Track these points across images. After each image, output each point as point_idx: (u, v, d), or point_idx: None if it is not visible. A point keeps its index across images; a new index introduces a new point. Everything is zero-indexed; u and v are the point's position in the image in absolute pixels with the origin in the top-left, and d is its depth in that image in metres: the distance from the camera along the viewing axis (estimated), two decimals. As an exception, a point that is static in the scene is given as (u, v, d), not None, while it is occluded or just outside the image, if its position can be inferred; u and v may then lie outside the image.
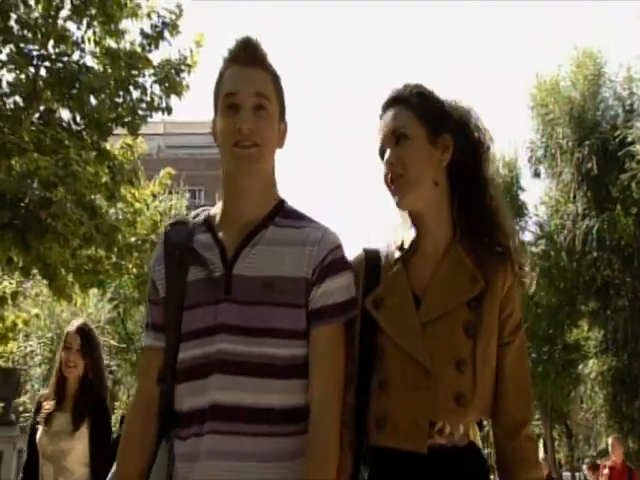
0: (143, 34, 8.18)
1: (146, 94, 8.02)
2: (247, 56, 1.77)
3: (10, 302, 9.60)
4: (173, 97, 8.21)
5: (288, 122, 1.85)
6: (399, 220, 1.89)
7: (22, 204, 7.15)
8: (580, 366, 18.28)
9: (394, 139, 1.80)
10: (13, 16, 7.64)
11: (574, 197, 17.08)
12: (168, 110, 8.05)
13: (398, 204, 1.81)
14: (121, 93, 7.90)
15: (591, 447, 26.74)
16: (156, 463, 1.73)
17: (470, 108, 1.88)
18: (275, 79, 1.81)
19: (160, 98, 8.05)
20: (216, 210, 1.87)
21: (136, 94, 8.00)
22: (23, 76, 7.76)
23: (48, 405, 3.83)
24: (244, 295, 1.70)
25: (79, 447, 3.71)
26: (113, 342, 17.81)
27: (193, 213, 1.93)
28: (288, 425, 1.68)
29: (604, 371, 16.97)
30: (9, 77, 7.83)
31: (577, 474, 24.75)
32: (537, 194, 22.28)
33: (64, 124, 7.96)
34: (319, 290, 1.72)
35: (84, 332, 3.95)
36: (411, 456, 1.64)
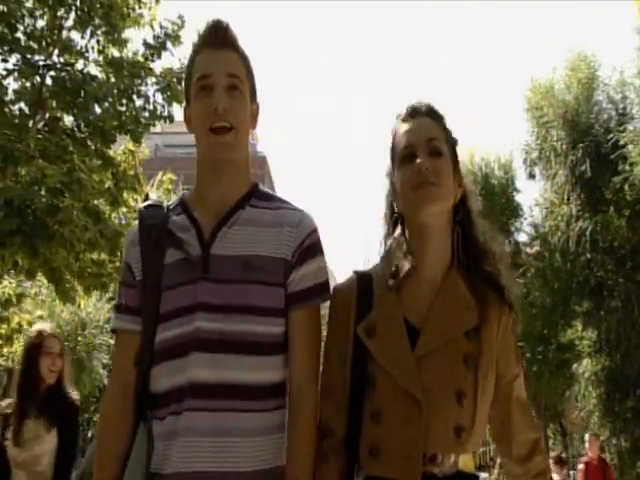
0: (146, 44, 8.31)
1: (149, 102, 8.14)
2: (218, 39, 1.78)
3: (15, 304, 9.76)
4: (174, 104, 8.33)
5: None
6: (394, 245, 1.84)
7: (29, 211, 7.23)
8: (574, 366, 18.31)
9: (428, 149, 1.75)
10: (19, 27, 7.79)
11: (568, 199, 17.14)
12: (170, 118, 8.18)
13: (422, 210, 1.73)
14: (124, 101, 8.01)
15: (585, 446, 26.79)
16: (135, 445, 1.71)
17: None
18: (245, 61, 1.82)
19: (162, 106, 8.18)
20: (191, 193, 1.87)
21: (139, 102, 8.14)
22: (29, 84, 7.90)
23: (12, 416, 3.73)
24: (222, 274, 1.70)
25: (52, 449, 3.70)
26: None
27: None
28: (267, 401, 1.71)
29: (597, 371, 17.02)
30: (15, 85, 7.99)
31: (571, 472, 24.80)
32: (532, 195, 22.44)
33: (68, 132, 8.07)
34: (298, 273, 1.75)
35: (57, 336, 4.02)
36: None
